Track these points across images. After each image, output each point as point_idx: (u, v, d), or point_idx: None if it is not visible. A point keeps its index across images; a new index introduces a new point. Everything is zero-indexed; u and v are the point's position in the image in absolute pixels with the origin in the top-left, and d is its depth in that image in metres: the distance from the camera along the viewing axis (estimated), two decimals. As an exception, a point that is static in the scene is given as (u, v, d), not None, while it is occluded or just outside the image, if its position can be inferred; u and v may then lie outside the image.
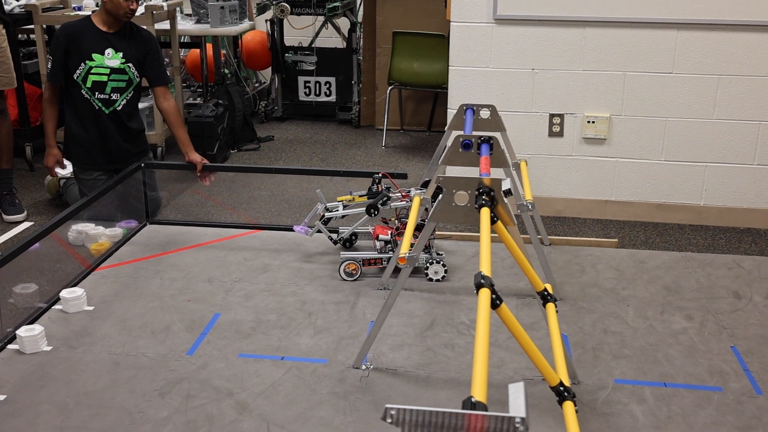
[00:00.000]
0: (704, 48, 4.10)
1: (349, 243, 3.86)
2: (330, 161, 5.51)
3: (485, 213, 2.33)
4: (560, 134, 4.33)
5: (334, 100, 6.76)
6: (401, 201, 3.65)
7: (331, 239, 3.81)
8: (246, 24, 6.16)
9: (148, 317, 3.14)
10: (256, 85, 7.29)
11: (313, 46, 6.83)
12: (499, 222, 2.41)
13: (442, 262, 3.53)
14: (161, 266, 3.62)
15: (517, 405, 1.32)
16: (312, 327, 3.10)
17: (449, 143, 3.20)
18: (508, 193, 2.44)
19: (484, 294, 1.83)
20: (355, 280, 3.52)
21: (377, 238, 3.65)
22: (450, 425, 1.30)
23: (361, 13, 6.64)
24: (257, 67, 7.12)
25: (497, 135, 3.59)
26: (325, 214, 3.76)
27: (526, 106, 4.31)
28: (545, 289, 2.51)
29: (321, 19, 6.78)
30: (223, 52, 6.57)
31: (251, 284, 3.46)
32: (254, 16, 6.80)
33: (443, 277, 3.53)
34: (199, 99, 6.69)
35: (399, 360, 2.87)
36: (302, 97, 6.80)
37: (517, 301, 3.35)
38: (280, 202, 4.59)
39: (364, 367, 2.80)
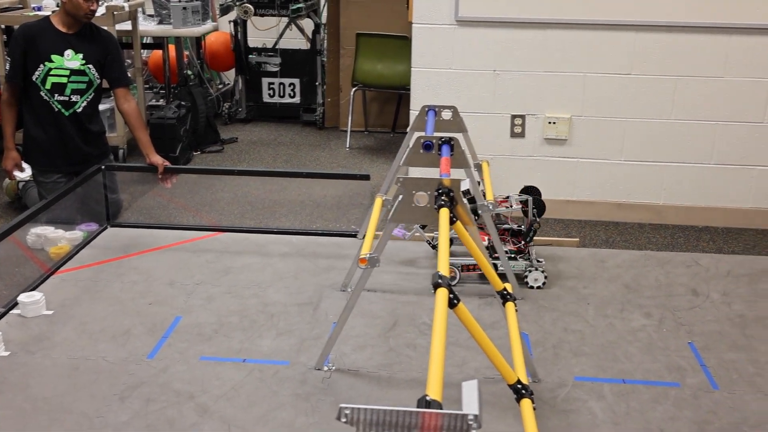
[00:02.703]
0: (662, 50, 4.16)
1: (435, 247, 3.80)
2: (294, 163, 5.51)
3: (444, 213, 2.35)
4: (522, 135, 4.37)
5: (299, 102, 6.75)
6: (499, 206, 3.63)
7: (429, 243, 3.77)
8: (209, 25, 6.13)
9: (108, 321, 3.11)
10: (220, 86, 7.26)
11: (277, 47, 6.81)
12: (458, 222, 2.43)
13: (541, 269, 3.50)
14: (122, 269, 3.59)
15: (470, 402, 1.33)
16: (274, 329, 3.09)
17: (410, 144, 3.21)
18: (467, 193, 2.46)
19: (442, 293, 1.84)
20: (454, 285, 3.47)
21: None
22: (404, 424, 1.31)
23: (325, 14, 6.64)
24: (221, 68, 7.09)
25: (459, 136, 3.62)
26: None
27: (488, 107, 4.34)
28: (504, 289, 2.53)
29: (285, 20, 6.77)
30: (186, 53, 6.53)
31: (213, 287, 3.44)
32: (217, 17, 6.77)
33: (543, 284, 3.51)
34: (161, 100, 6.64)
35: (361, 361, 2.87)
36: (266, 98, 6.78)
37: (479, 300, 3.37)
38: (243, 204, 4.58)
39: (326, 368, 2.80)
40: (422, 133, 3.36)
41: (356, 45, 6.05)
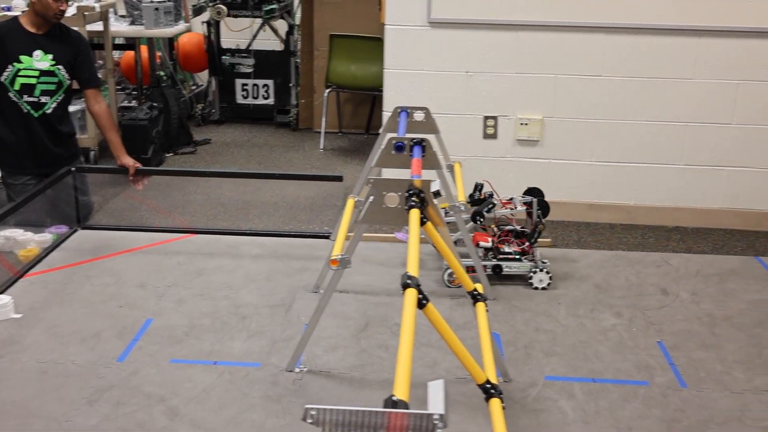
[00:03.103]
0: (632, 52, 4.20)
1: None
2: (267, 164, 5.49)
3: (414, 214, 2.35)
4: (494, 136, 4.39)
5: (272, 103, 6.73)
6: (503, 208, 3.64)
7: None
8: (181, 26, 6.09)
9: (78, 324, 3.08)
10: (193, 87, 7.22)
11: (250, 48, 6.79)
12: (429, 223, 2.44)
13: (546, 270, 3.52)
14: (92, 272, 3.56)
15: (436, 402, 1.34)
16: (246, 331, 3.08)
17: (382, 145, 3.22)
18: (437, 194, 2.47)
19: (411, 294, 1.85)
20: (459, 286, 3.47)
21: (477, 245, 3.64)
22: (370, 424, 1.31)
23: (298, 15, 6.63)
24: (194, 69, 7.05)
25: (431, 137, 3.63)
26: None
27: (460, 108, 4.36)
28: (475, 289, 2.54)
29: (258, 21, 6.75)
30: (159, 54, 6.49)
31: (185, 289, 3.42)
32: (190, 17, 6.73)
33: (549, 284, 3.52)
34: (134, 102, 6.59)
35: (333, 362, 2.87)
36: (240, 99, 6.75)
37: (451, 301, 3.38)
38: (216, 206, 4.56)
39: (297, 369, 2.79)
40: (394, 135, 3.37)
41: (330, 46, 6.04)
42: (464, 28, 4.25)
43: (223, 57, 6.68)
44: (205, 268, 3.65)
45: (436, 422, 1.29)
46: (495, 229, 3.70)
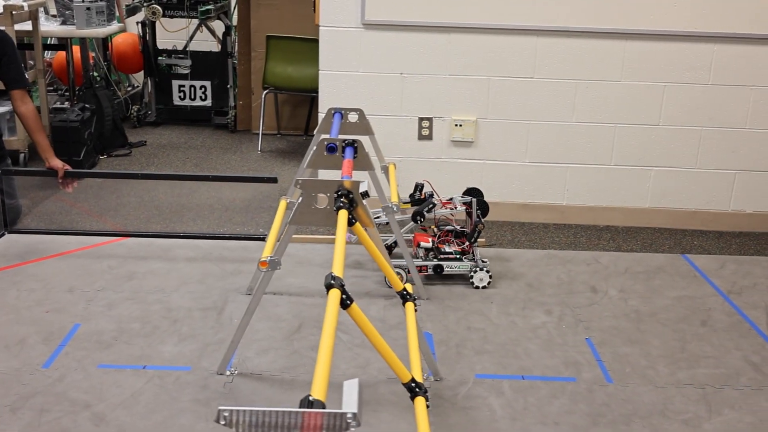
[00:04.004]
0: (562, 54, 4.27)
1: (388, 250, 3.81)
2: (204, 166, 5.43)
3: (342, 215, 2.36)
4: (429, 137, 4.42)
5: (210, 105, 6.66)
6: (443, 208, 3.65)
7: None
8: (114, 26, 5.99)
9: (1, 330, 3.01)
10: (129, 89, 7.10)
11: (187, 49, 6.70)
12: (357, 224, 2.44)
13: (486, 269, 3.55)
14: (19, 277, 3.48)
15: (350, 401, 1.35)
16: (177, 334, 3.05)
17: (314, 147, 3.22)
18: (365, 194, 2.48)
19: (334, 294, 1.86)
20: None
21: (418, 245, 3.64)
22: (285, 424, 1.31)
23: (235, 16, 6.57)
24: (129, 70, 6.93)
25: (366, 138, 3.64)
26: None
27: (395, 109, 4.38)
28: (404, 289, 2.56)
29: (195, 22, 6.67)
30: (92, 54, 6.36)
31: (115, 293, 3.37)
32: (124, 18, 6.62)
33: (489, 283, 3.55)
34: (66, 103, 6.44)
35: (264, 364, 2.86)
36: (177, 101, 6.66)
37: (385, 302, 3.40)
38: (150, 209, 4.49)
39: (228, 372, 2.77)
40: (327, 136, 3.37)
41: (266, 47, 6.00)
42: (398, 30, 4.27)
43: (159, 58, 6.58)
44: (137, 272, 3.60)
45: (349, 421, 1.30)
46: (435, 229, 3.74)
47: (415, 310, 2.51)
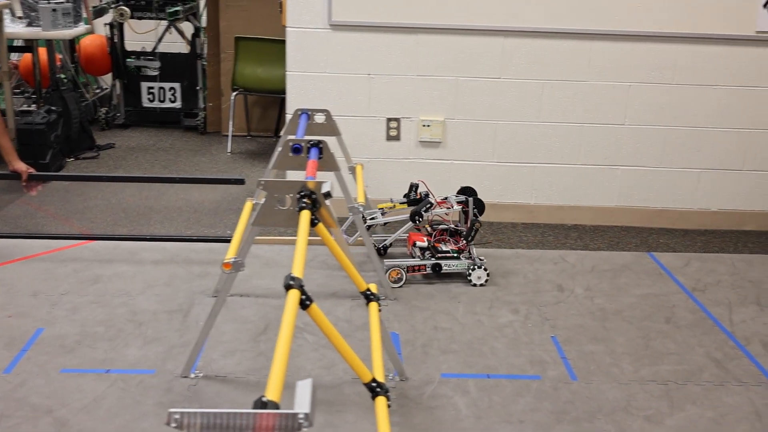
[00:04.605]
0: (529, 55, 4.30)
1: (384, 251, 3.84)
2: (173, 168, 5.39)
3: (305, 215, 2.35)
4: (397, 138, 4.43)
5: (179, 107, 6.61)
6: (438, 207, 3.67)
7: (374, 246, 3.77)
8: (81, 27, 5.92)
9: (-37, 336, 2.97)
10: (97, 91, 7.03)
11: (156, 51, 6.65)
12: (320, 224, 2.44)
13: (484, 267, 3.57)
14: (-19, 281, 3.44)
15: (302, 401, 1.34)
16: (141, 337, 3.02)
17: (280, 147, 3.21)
18: (327, 195, 2.48)
19: (293, 295, 1.85)
20: (399, 286, 3.51)
21: (414, 245, 3.64)
22: (237, 425, 1.31)
23: (205, 18, 6.54)
24: (97, 72, 6.87)
25: (333, 139, 3.64)
26: (366, 221, 3.76)
27: (363, 110, 4.38)
28: (368, 289, 2.56)
29: (164, 23, 6.62)
30: (60, 56, 6.30)
31: (79, 296, 3.34)
32: (92, 19, 6.56)
33: (486, 281, 3.57)
34: (33, 105, 6.37)
35: (230, 366, 2.85)
36: (146, 103, 6.61)
37: (352, 302, 3.40)
38: (117, 212, 4.45)
39: (192, 375, 2.76)
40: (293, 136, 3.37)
41: (235, 49, 5.98)
42: (365, 30, 4.27)
43: (128, 60, 6.53)
44: (103, 275, 3.57)
45: (301, 421, 1.29)
46: (428, 228, 3.76)
47: (380, 310, 2.52)
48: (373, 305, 2.51)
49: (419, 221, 3.64)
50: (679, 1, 4.21)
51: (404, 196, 3.86)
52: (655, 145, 4.44)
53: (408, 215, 3.69)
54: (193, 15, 6.64)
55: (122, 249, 3.88)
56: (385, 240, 3.84)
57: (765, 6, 4.19)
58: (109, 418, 2.51)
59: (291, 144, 3.15)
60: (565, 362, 2.99)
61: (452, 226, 3.75)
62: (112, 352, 2.91)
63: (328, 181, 2.51)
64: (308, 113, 3.71)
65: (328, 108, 3.77)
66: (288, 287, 1.86)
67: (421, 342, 3.10)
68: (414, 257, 3.66)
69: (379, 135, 4.42)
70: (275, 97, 6.11)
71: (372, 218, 3.81)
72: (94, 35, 6.75)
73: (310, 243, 3.97)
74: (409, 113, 4.39)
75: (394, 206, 3.86)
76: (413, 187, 3.86)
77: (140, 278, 3.56)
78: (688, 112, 4.39)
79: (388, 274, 3.54)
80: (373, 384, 2.03)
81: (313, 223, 2.39)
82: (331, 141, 3.35)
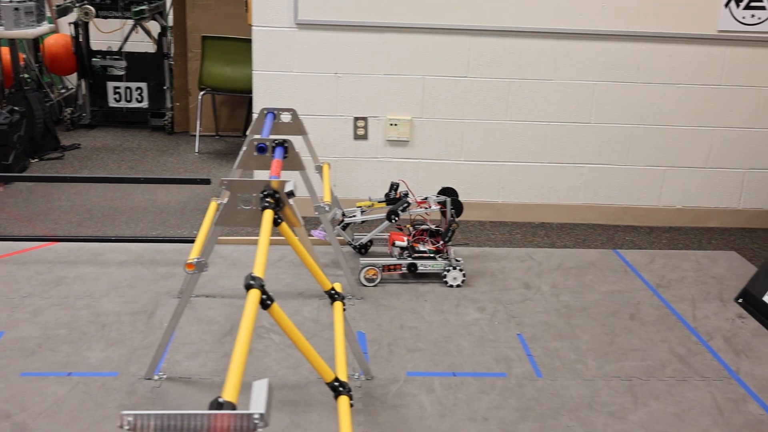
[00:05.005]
0: (496, 53, 4.31)
1: (364, 249, 3.82)
2: (139, 169, 5.34)
3: (267, 215, 2.34)
4: (365, 137, 4.42)
5: (146, 106, 6.55)
6: (418, 207, 3.65)
7: (350, 244, 3.83)
8: (45, 27, 5.85)
9: None
10: (63, 91, 6.94)
11: (122, 50, 6.58)
12: (283, 223, 2.43)
13: (459, 268, 3.56)
14: (-60, 284, 3.38)
15: (258, 401, 1.33)
16: (104, 340, 2.99)
17: (246, 147, 3.19)
18: (290, 194, 2.46)
19: (253, 295, 1.84)
20: (375, 285, 3.51)
21: (393, 244, 3.63)
22: (192, 427, 1.29)
23: (171, 17, 6.48)
24: (62, 72, 6.77)
25: (299, 138, 3.63)
26: (344, 219, 3.75)
27: (330, 109, 4.37)
28: (332, 288, 2.55)
29: (131, 22, 6.55)
30: (23, 56, 6.21)
31: (41, 299, 3.29)
32: (56, 18, 6.47)
33: (463, 281, 3.56)
34: (-4, 106, 6.28)
35: (194, 367, 2.82)
36: (112, 103, 6.54)
37: (319, 302, 3.39)
38: (81, 213, 4.40)
39: (156, 377, 2.73)
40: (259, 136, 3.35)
41: (202, 48, 5.94)
42: (331, 29, 4.26)
43: (93, 59, 6.45)
44: (66, 277, 3.53)
45: (256, 422, 1.28)
46: (411, 228, 3.75)
47: (344, 309, 2.51)
48: (338, 304, 2.51)
49: (395, 220, 3.64)
50: (643, 1, 4.25)
51: (384, 195, 3.86)
52: (621, 143, 4.48)
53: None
54: (159, 14, 6.58)
55: (86, 250, 3.84)
56: (361, 239, 3.84)
57: (726, 6, 4.24)
58: (70, 421, 2.47)
59: (256, 143, 3.13)
60: (531, 359, 3.00)
61: (433, 226, 3.75)
62: (75, 354, 2.87)
63: (291, 180, 2.49)
64: (274, 112, 3.69)
65: (296, 107, 3.75)
66: (248, 287, 1.85)
67: (387, 341, 3.09)
68: (393, 256, 3.66)
69: (346, 134, 4.41)
70: (243, 96, 6.08)
71: (351, 216, 3.82)
72: (58, 34, 6.66)
73: (278, 243, 3.95)
74: (376, 112, 4.39)
75: (373, 205, 3.85)
76: (393, 186, 3.86)
77: (104, 280, 3.52)
78: (652, 110, 4.43)
79: (363, 272, 3.54)
80: (336, 383, 2.03)
81: (276, 223, 2.38)
82: (297, 140, 3.34)
